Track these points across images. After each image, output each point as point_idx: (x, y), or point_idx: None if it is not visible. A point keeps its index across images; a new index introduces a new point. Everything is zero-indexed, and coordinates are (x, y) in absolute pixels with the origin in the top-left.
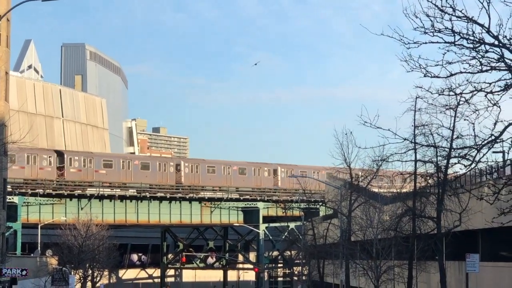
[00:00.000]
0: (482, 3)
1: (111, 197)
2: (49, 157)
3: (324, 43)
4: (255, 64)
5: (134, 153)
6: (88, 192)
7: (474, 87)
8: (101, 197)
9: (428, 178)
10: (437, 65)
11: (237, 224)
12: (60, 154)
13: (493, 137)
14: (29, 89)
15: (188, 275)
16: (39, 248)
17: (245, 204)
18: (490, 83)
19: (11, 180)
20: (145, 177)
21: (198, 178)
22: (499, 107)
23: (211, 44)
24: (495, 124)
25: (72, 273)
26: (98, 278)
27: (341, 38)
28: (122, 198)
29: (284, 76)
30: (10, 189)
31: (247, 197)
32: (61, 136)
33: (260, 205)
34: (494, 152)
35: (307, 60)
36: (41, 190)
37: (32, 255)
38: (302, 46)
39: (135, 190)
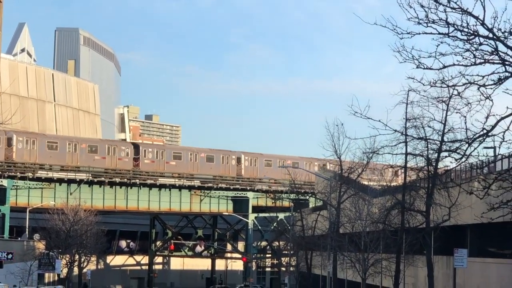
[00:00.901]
0: None
1: (100, 183)
2: (127, 148)
3: (319, 35)
4: None
5: (125, 139)
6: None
7: (467, 79)
8: (90, 183)
9: (418, 171)
10: (430, 56)
11: (227, 213)
12: (136, 146)
13: (484, 131)
14: (21, 72)
15: (176, 263)
16: (26, 232)
17: (235, 194)
18: (483, 76)
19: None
20: (210, 169)
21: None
22: (492, 100)
23: (205, 33)
24: (487, 117)
25: (59, 257)
26: (85, 264)
27: (335, 31)
28: (112, 184)
29: (278, 67)
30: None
31: (237, 186)
32: (52, 121)
33: (249, 194)
34: (485, 147)
35: (301, 52)
36: (119, 179)
37: (19, 238)
38: (296, 38)
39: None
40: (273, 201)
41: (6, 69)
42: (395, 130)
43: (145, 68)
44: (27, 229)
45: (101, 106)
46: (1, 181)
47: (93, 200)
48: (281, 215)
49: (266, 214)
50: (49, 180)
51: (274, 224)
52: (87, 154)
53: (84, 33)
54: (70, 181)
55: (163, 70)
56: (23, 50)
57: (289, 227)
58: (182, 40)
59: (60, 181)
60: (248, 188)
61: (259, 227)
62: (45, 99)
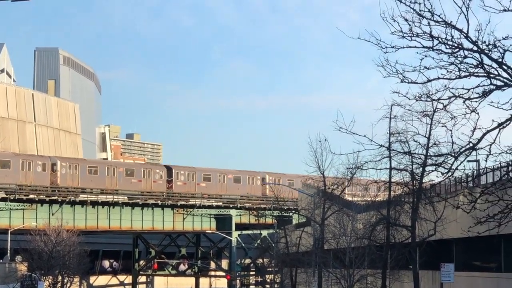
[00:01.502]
0: (460, 8)
1: (82, 203)
2: (161, 171)
3: (300, 50)
4: None
5: (106, 158)
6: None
7: (452, 93)
8: (72, 203)
9: (403, 186)
10: (415, 70)
11: (210, 231)
12: (169, 168)
13: (471, 145)
14: (1, 93)
15: (160, 282)
16: (8, 254)
17: (218, 211)
18: (468, 89)
19: None
20: (237, 189)
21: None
22: (478, 113)
23: (187, 51)
24: (473, 131)
25: (42, 279)
26: (69, 285)
27: (318, 46)
28: (94, 204)
29: (260, 83)
30: None
31: (220, 204)
32: (33, 140)
33: (232, 212)
34: (468, 161)
35: (283, 67)
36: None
37: (1, 261)
38: (278, 54)
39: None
40: (257, 218)
41: None
42: (381, 145)
43: (126, 87)
44: (8, 251)
45: (82, 126)
46: None
47: (75, 220)
48: (264, 232)
49: (250, 232)
50: (31, 201)
51: (258, 241)
52: (124, 177)
53: (63, 52)
54: (52, 202)
55: (144, 89)
56: (2, 71)
57: (273, 244)
58: (164, 58)
59: (42, 201)
60: (231, 205)
61: (243, 245)
62: (26, 119)
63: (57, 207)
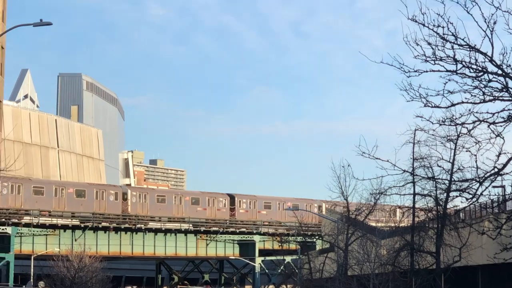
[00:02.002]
0: (485, 32)
1: (105, 229)
2: (224, 199)
3: (324, 77)
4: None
5: (130, 184)
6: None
7: (477, 117)
8: (95, 229)
9: (427, 212)
10: (438, 94)
11: (233, 257)
12: (232, 197)
13: (496, 170)
14: (24, 118)
15: None
16: (31, 280)
17: (241, 237)
18: (493, 114)
19: None
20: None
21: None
22: (503, 138)
23: (211, 76)
24: (498, 155)
25: None
26: None
27: (341, 72)
28: (117, 229)
29: (284, 109)
30: (3, 220)
31: (243, 229)
32: (56, 167)
33: (256, 238)
34: (494, 186)
35: (306, 93)
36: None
37: (24, 287)
38: (302, 80)
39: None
40: (280, 244)
41: (9, 116)
42: (404, 170)
43: (150, 112)
44: (31, 277)
45: (105, 152)
46: (5, 228)
47: (98, 246)
48: (288, 258)
49: (273, 257)
50: (54, 226)
51: (281, 267)
52: (190, 206)
53: (86, 78)
54: (74, 228)
55: (168, 114)
56: (26, 97)
57: (297, 270)
58: (188, 83)
59: (65, 227)
60: (255, 231)
61: (266, 271)
62: (49, 145)
63: (80, 233)
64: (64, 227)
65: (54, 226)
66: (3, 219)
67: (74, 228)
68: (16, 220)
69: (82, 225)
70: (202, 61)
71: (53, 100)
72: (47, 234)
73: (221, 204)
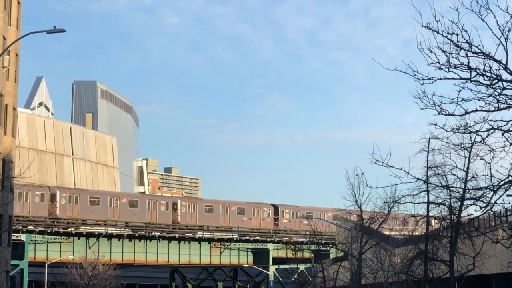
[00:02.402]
0: (499, 39)
1: (119, 236)
2: (268, 210)
3: (339, 85)
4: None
5: (144, 192)
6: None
7: (491, 125)
8: (109, 236)
9: (441, 220)
10: (452, 102)
11: (247, 265)
12: (275, 207)
13: (510, 178)
14: (39, 126)
15: None
16: (45, 287)
17: (255, 245)
18: (507, 122)
19: None
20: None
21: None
22: None
23: (226, 85)
24: None
25: None
26: None
27: (355, 81)
28: (131, 237)
29: (298, 117)
30: (20, 227)
31: (257, 238)
32: (71, 174)
33: (270, 246)
34: (508, 195)
35: (321, 102)
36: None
37: None
38: (316, 88)
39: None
40: (294, 252)
41: (24, 123)
42: (418, 178)
43: (164, 120)
44: (45, 284)
45: (119, 159)
46: (20, 235)
47: (112, 253)
48: (302, 267)
49: (287, 266)
50: (68, 234)
51: (295, 276)
52: (236, 215)
53: (101, 86)
54: (88, 235)
55: (182, 123)
56: (41, 104)
57: (310, 279)
58: (202, 92)
59: (79, 235)
60: (268, 239)
61: (280, 279)
62: (63, 152)
63: (93, 241)
64: (78, 235)
65: (68, 234)
66: (20, 226)
67: (88, 235)
68: (32, 228)
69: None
70: (216, 70)
71: (68, 108)
72: (61, 241)
73: (266, 214)
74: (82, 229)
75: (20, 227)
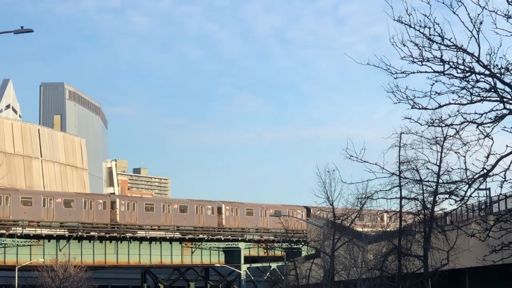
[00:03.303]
0: (471, 32)
1: (90, 238)
2: (302, 211)
3: (308, 83)
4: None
5: (114, 193)
6: None
7: (465, 118)
8: (80, 238)
9: (414, 215)
10: (425, 96)
11: (219, 265)
12: (308, 209)
13: (485, 171)
14: (7, 128)
15: None
16: None
17: (226, 244)
18: (481, 114)
19: None
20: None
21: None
22: (492, 138)
23: (195, 85)
24: (487, 156)
25: None
26: None
27: (325, 78)
28: (101, 239)
29: (268, 116)
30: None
31: (228, 237)
32: (39, 176)
33: (241, 245)
34: (479, 189)
35: (291, 100)
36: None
37: None
38: (286, 86)
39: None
40: (265, 251)
41: None
42: (392, 173)
43: (133, 121)
44: None
45: (88, 161)
46: None
47: (83, 255)
48: (274, 265)
49: (259, 264)
50: (38, 237)
51: (267, 274)
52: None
53: (69, 87)
54: (59, 237)
55: (151, 123)
56: (8, 107)
57: (283, 277)
58: (171, 92)
59: (49, 237)
60: (240, 238)
61: (252, 278)
62: (32, 155)
63: (64, 243)
64: (49, 237)
65: (38, 237)
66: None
67: (58, 238)
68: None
69: (67, 234)
70: (185, 70)
71: (36, 110)
72: (31, 244)
73: (299, 215)
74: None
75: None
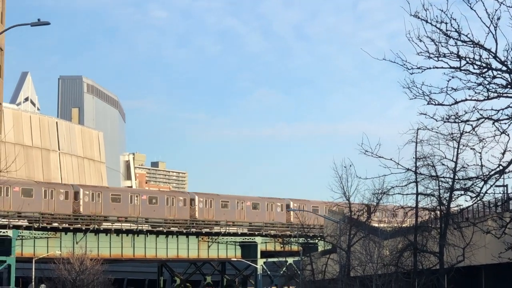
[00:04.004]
0: (488, 28)
1: (107, 231)
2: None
3: (326, 79)
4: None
5: (131, 186)
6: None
7: (481, 114)
8: (96, 231)
9: (430, 212)
10: (441, 92)
11: (235, 259)
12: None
13: (501, 167)
14: (25, 121)
15: None
16: (33, 283)
17: (243, 239)
18: (497, 111)
19: None
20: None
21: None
22: (508, 135)
23: (213, 79)
24: (503, 153)
25: None
26: None
27: (343, 74)
28: (118, 232)
29: (286, 111)
30: (6, 222)
31: (245, 231)
32: (57, 169)
33: (258, 239)
34: (496, 186)
35: (309, 95)
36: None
37: None
38: (304, 82)
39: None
40: (282, 245)
41: (10, 119)
42: (408, 169)
43: (151, 115)
44: (33, 280)
45: (106, 154)
46: (6, 231)
47: (99, 248)
48: (290, 260)
49: (275, 259)
50: (55, 229)
51: (284, 269)
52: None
53: (87, 80)
54: (76, 230)
55: (170, 117)
56: (26, 99)
57: (299, 272)
58: (190, 86)
59: (66, 230)
60: (256, 233)
61: (268, 272)
62: (50, 147)
63: (81, 236)
64: (66, 230)
65: (55, 229)
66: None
67: (75, 230)
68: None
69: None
70: (204, 64)
71: (54, 103)
72: (48, 237)
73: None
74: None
75: (7, 222)
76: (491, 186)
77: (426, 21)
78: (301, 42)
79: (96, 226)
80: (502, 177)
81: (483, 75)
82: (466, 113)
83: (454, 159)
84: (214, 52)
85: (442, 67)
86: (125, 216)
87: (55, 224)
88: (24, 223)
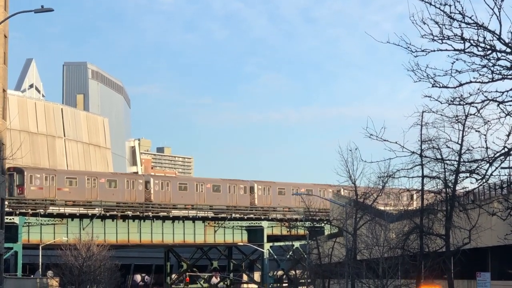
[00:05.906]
0: (492, 9)
1: (113, 217)
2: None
3: (333, 62)
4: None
5: (137, 172)
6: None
7: (486, 96)
8: (103, 217)
9: (436, 194)
10: (446, 74)
11: (241, 244)
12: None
13: (506, 149)
14: (30, 108)
15: None
16: (40, 270)
17: (249, 223)
18: (502, 93)
19: None
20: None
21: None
22: None
23: (220, 64)
24: (508, 135)
25: None
26: None
27: (350, 57)
28: (124, 217)
29: (293, 96)
30: (11, 210)
31: (251, 216)
32: (63, 156)
33: (264, 224)
34: (502, 167)
35: (316, 80)
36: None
37: (32, 276)
38: (311, 66)
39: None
40: (288, 229)
41: (15, 105)
42: (413, 152)
43: (157, 100)
44: (40, 267)
45: (111, 140)
46: (13, 218)
47: (106, 234)
48: (296, 244)
49: (282, 243)
50: (61, 215)
51: (290, 253)
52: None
53: (92, 66)
54: (82, 216)
55: (175, 102)
56: (31, 86)
57: (305, 256)
58: (196, 71)
59: (72, 216)
60: (263, 217)
61: (275, 256)
62: (55, 134)
63: (87, 222)
64: (72, 216)
65: (61, 215)
66: (10, 209)
67: (82, 217)
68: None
69: (90, 213)
70: (210, 49)
71: (59, 89)
72: (54, 223)
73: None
74: (75, 210)
75: (12, 209)
76: (497, 168)
77: (430, 4)
78: (308, 26)
79: (102, 212)
80: (507, 159)
81: (487, 57)
82: (470, 95)
83: (459, 142)
84: (221, 37)
85: (446, 50)
86: (131, 202)
87: (62, 210)
88: (28, 210)
